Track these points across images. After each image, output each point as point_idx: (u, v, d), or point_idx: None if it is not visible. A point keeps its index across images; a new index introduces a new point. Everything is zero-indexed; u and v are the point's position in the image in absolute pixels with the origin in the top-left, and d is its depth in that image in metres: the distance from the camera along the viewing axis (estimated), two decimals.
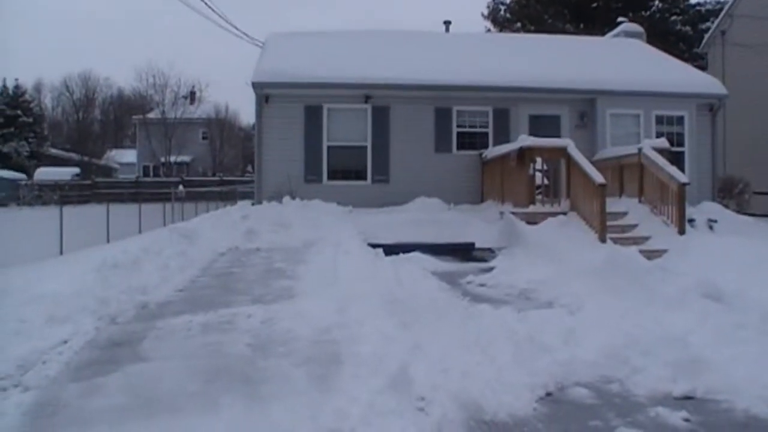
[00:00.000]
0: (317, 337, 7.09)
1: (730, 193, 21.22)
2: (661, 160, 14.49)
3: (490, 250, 13.69)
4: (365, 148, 18.38)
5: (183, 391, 5.73)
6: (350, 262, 10.85)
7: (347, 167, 18.35)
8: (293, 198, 16.74)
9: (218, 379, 6.00)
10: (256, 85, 17.92)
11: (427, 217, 15.40)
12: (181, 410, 5.35)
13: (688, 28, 41.05)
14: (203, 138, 74.42)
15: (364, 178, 18.35)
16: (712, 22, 32.32)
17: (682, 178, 13.94)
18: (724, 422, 5.66)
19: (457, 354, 6.59)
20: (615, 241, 13.09)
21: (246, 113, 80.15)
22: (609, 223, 13.65)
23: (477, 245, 14.04)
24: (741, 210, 20.32)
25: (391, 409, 5.19)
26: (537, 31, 36.19)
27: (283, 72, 18.05)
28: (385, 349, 6.31)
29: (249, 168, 68.87)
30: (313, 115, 18.20)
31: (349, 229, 13.88)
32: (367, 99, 18.26)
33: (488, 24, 44.91)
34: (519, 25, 42.25)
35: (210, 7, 21.31)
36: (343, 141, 18.33)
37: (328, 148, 18.22)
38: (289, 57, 19.24)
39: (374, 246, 12.90)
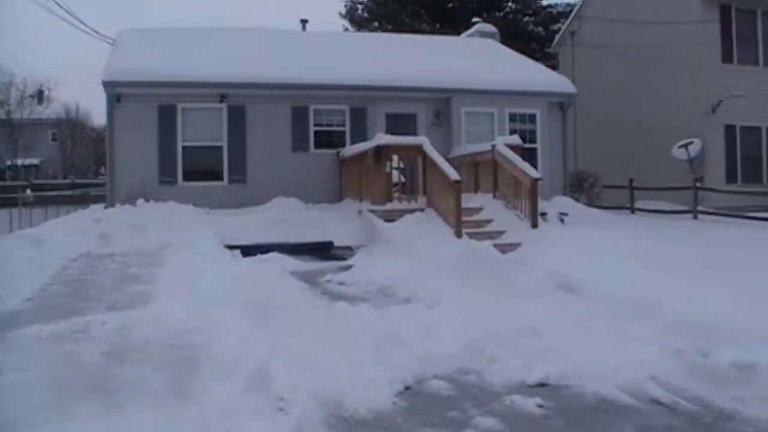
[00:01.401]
0: (174, 341, 6.91)
1: (581, 187, 21.98)
2: (515, 157, 14.87)
3: (349, 248, 13.72)
4: (221, 148, 18.07)
5: (36, 403, 5.44)
6: (207, 265, 10.65)
7: (203, 168, 18.00)
8: (148, 200, 16.26)
9: (73, 389, 5.74)
10: (106, 84, 17.28)
11: (286, 217, 15.30)
12: (34, 425, 5.08)
13: (540, 28, 42.40)
14: (53, 139, 71.39)
15: (221, 178, 18.05)
16: (563, 24, 33.40)
17: (535, 173, 14.35)
18: (576, 406, 5.86)
19: (316, 352, 6.55)
20: (471, 236, 13.34)
21: (98, 113, 77.10)
22: (465, 218, 13.91)
23: (336, 244, 14.05)
24: (591, 203, 21.11)
25: (250, 410, 5.12)
26: (394, 30, 36.54)
27: (136, 70, 17.47)
28: (243, 351, 6.21)
29: (102, 170, 66.72)
30: (167, 115, 17.74)
31: (206, 231, 13.61)
32: (222, 98, 17.97)
33: (346, 23, 45.11)
34: (376, 24, 42.58)
35: (56, 3, 20.43)
36: (199, 141, 17.97)
37: (184, 148, 17.81)
38: (141, 54, 18.70)
39: (232, 247, 12.71)
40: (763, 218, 18.19)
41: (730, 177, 23.66)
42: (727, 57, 24.04)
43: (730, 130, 23.83)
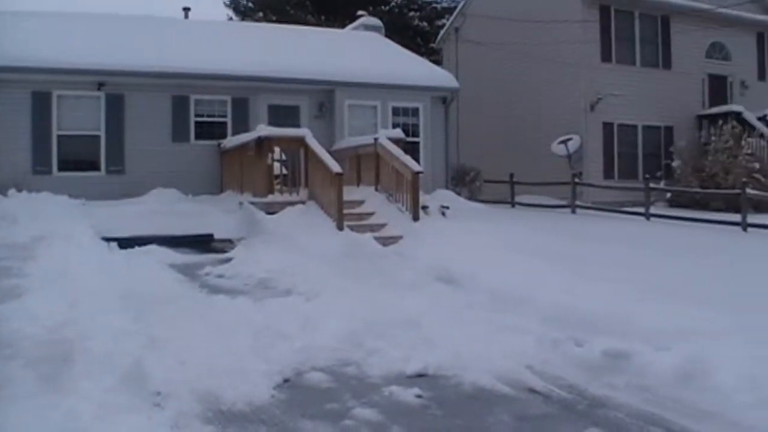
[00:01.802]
0: (47, 336, 6.68)
1: (463, 181, 22.25)
2: (397, 150, 15.00)
3: (229, 240, 13.59)
4: (99, 137, 17.52)
5: None
6: (82, 257, 10.38)
7: (80, 158, 17.39)
8: (20, 191, 15.63)
9: None
10: None
11: (165, 209, 14.99)
12: None
13: (425, 23, 42.66)
14: None
15: (98, 168, 17.51)
16: (447, 19, 33.70)
17: (416, 167, 14.52)
18: (453, 395, 5.98)
19: (194, 346, 6.49)
20: (353, 228, 13.42)
21: None
22: (347, 211, 13.96)
23: (216, 236, 13.89)
24: (473, 197, 21.38)
25: (126, 405, 5.03)
26: (279, 21, 36.14)
27: (6, 54, 16.75)
28: (119, 345, 6.10)
29: None
30: (41, 102, 17.06)
31: (81, 223, 13.23)
32: (100, 86, 17.43)
33: (230, 12, 44.41)
34: (261, 14, 42.00)
35: None
36: (75, 130, 17.37)
37: (59, 137, 17.15)
38: (13, 38, 17.93)
39: (109, 240, 12.42)
40: (638, 213, 18.94)
41: (608, 173, 24.38)
42: (606, 56, 24.77)
43: (607, 127, 24.56)
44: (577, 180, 21.31)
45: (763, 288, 9.29)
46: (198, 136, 18.39)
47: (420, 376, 6.41)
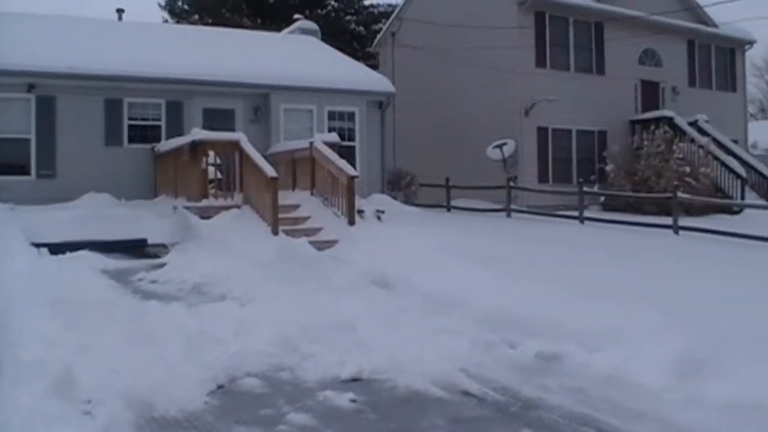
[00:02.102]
0: None
1: (399, 185, 22.36)
2: (332, 154, 15.03)
3: (163, 245, 13.45)
4: (29, 140, 17.16)
5: None
6: (11, 263, 10.17)
7: (9, 161, 16.97)
8: None
9: None
10: None
11: (97, 214, 14.72)
12: None
13: (361, 28, 42.63)
14: None
15: (28, 173, 17.14)
16: (384, 24, 33.75)
17: (352, 171, 14.56)
18: (388, 399, 6.03)
19: (126, 353, 6.43)
20: (288, 233, 13.37)
21: None
22: (282, 215, 13.93)
23: (150, 241, 13.73)
24: (408, 201, 21.50)
25: (55, 414, 4.94)
26: (215, 24, 35.85)
27: None
28: (49, 352, 5.98)
29: None
30: None
31: (10, 228, 12.94)
32: (30, 88, 17.11)
33: (165, 14, 43.87)
34: (197, 17, 41.60)
35: None
36: (4, 133, 16.94)
37: None
38: None
39: (39, 245, 12.17)
40: (572, 216, 19.22)
41: (542, 177, 24.67)
42: (540, 62, 25.07)
43: (542, 131, 24.86)
44: (512, 184, 21.50)
45: (691, 287, 9.56)
46: (131, 140, 18.15)
47: (355, 380, 6.44)
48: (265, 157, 14.99)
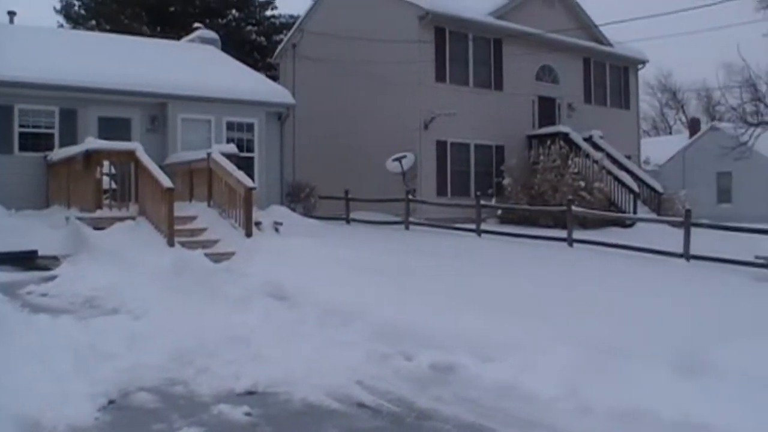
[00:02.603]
0: None
1: (298, 197, 22.32)
2: (230, 166, 14.89)
3: (54, 257, 13.05)
4: None
5: None
6: None
7: None
8: None
9: None
10: None
11: None
12: None
13: (262, 38, 42.30)
14: None
15: None
16: (285, 35, 33.66)
17: (249, 182, 14.45)
18: (284, 412, 6.02)
19: (13, 369, 6.24)
20: (184, 245, 13.19)
21: None
22: (178, 227, 13.75)
23: (41, 253, 13.31)
24: (308, 213, 21.47)
25: None
26: (112, 30, 34.97)
27: None
28: None
29: None
30: None
31: None
32: None
33: (60, 19, 42.68)
34: (94, 22, 40.62)
35: None
36: None
37: None
38: None
39: None
40: (470, 229, 19.57)
41: (441, 190, 25.00)
42: (440, 76, 25.39)
43: (441, 145, 25.17)
44: (411, 197, 21.72)
45: (582, 299, 9.83)
46: (22, 148, 17.56)
47: (250, 393, 6.42)
48: (161, 167, 14.75)
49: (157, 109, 19.23)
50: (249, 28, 42.60)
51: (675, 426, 5.59)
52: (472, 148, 26.10)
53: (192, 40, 26.24)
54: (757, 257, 13.95)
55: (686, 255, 15.13)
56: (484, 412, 6.10)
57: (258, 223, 14.69)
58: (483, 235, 19.22)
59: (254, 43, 41.83)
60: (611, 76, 31.60)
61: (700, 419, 5.59)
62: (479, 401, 6.34)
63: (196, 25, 28.71)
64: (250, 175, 15.66)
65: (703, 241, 15.54)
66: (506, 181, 24.65)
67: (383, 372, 7.05)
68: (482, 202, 20.38)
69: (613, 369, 6.45)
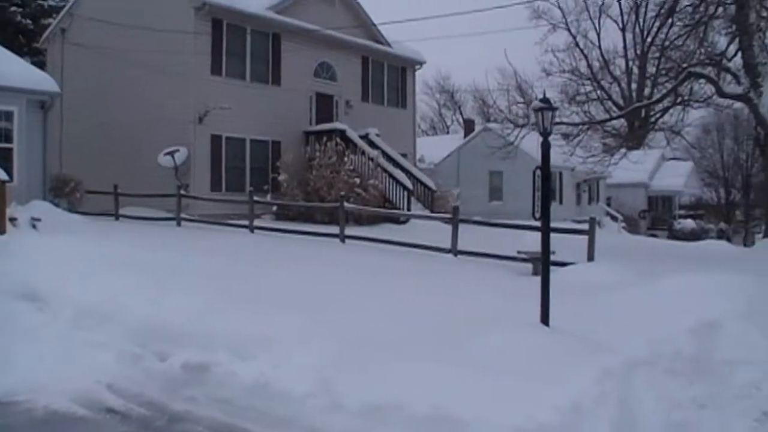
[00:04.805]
0: None
1: (63, 191, 21.22)
2: None
3: None
4: None
5: None
6: None
7: None
8: None
9: None
10: None
11: None
12: None
13: (29, 21, 40.01)
14: None
15: None
16: (54, 19, 31.99)
17: (3, 175, 13.64)
18: (25, 422, 5.74)
19: None
20: None
21: None
22: None
23: None
24: (74, 209, 20.54)
25: None
26: None
27: None
28: None
29: None
30: None
31: None
32: None
33: None
34: None
35: None
36: None
37: None
38: None
39: None
40: (243, 225, 19.44)
41: (215, 185, 24.56)
42: (216, 69, 24.90)
43: (216, 140, 24.71)
44: (183, 192, 21.22)
45: (343, 295, 9.92)
46: None
47: None
48: None
49: None
50: (14, 8, 40.08)
51: (427, 419, 5.60)
52: (248, 143, 25.85)
53: None
54: (519, 252, 14.53)
55: (454, 251, 15.63)
56: (237, 412, 6.04)
57: (13, 219, 13.83)
58: (256, 231, 19.14)
59: (19, 25, 39.34)
60: (389, 76, 32.35)
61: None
62: (233, 401, 6.26)
63: None
64: (9, 168, 14.70)
65: (477, 237, 16.17)
66: (282, 177, 24.59)
67: (135, 374, 6.85)
68: (256, 198, 20.27)
69: (366, 363, 6.44)
